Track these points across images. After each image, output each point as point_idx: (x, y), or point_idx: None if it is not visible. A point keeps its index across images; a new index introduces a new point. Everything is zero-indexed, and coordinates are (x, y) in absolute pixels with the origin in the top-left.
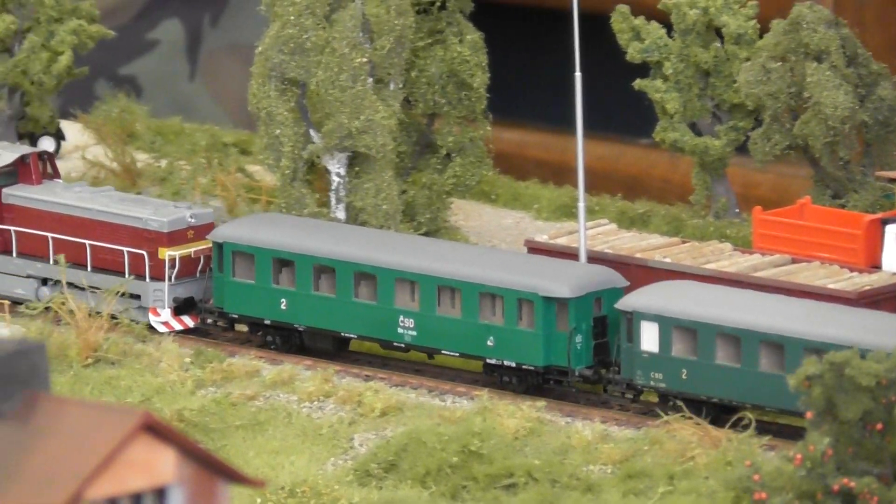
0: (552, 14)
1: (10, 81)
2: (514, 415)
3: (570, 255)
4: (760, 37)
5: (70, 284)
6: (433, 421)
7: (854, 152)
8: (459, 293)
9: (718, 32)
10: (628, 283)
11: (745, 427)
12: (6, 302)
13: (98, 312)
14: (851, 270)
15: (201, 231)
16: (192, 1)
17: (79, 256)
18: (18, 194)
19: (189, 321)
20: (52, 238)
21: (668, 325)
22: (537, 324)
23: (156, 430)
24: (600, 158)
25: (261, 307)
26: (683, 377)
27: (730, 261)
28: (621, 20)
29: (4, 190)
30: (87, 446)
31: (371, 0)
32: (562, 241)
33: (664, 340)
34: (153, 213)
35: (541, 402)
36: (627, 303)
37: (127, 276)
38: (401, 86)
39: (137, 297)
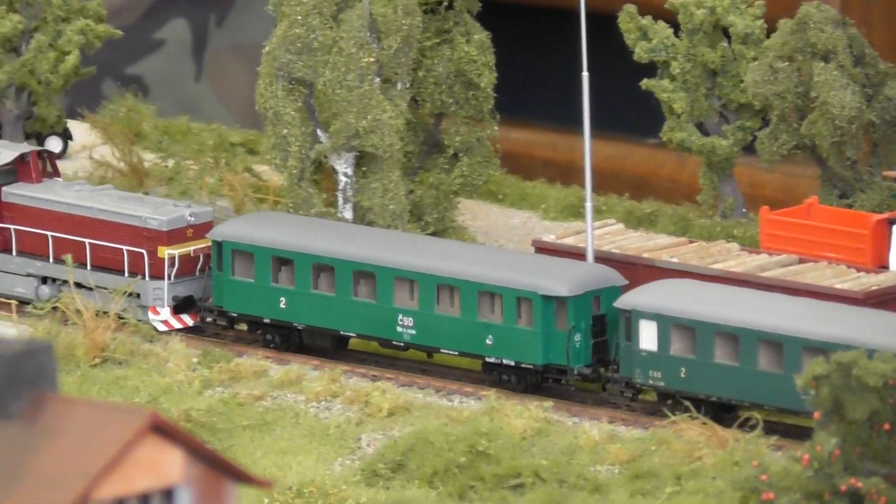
0: (559, 13)
1: (17, 81)
2: (522, 415)
3: (577, 254)
4: (768, 36)
5: (65, 283)
6: (441, 421)
7: (861, 152)
8: (458, 292)
9: (726, 32)
10: (627, 282)
11: (753, 427)
12: (13, 302)
13: (105, 312)
14: (858, 270)
15: (201, 230)
16: (199, 1)
17: (78, 255)
18: (18, 193)
19: (188, 320)
20: (52, 237)
21: (667, 324)
22: (536, 322)
23: (163, 430)
24: (607, 158)
25: (260, 306)
26: (682, 376)
27: (737, 261)
28: (628, 20)
29: (4, 188)
30: (95, 446)
31: (378, 0)
32: (569, 240)
33: (663, 339)
34: (152, 211)
35: (548, 403)
36: (626, 301)
37: (126, 274)
38: (408, 85)
39: (137, 295)
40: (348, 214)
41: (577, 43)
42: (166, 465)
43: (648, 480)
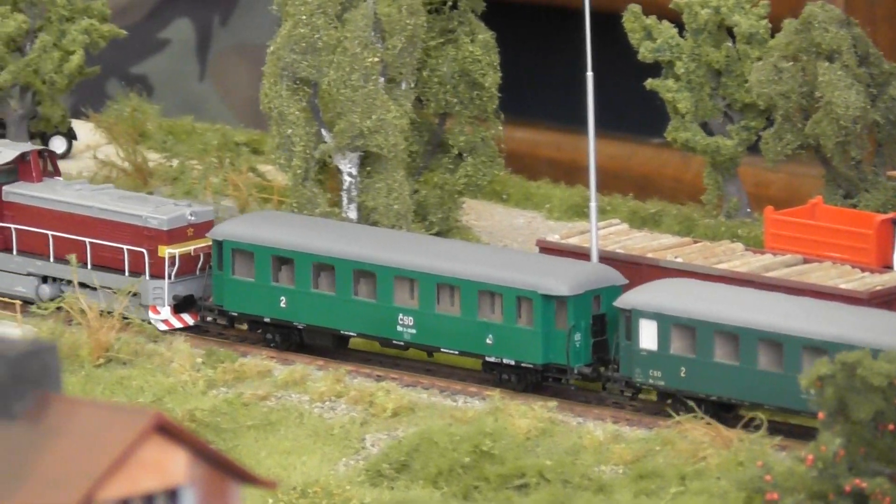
0: (563, 12)
1: (21, 81)
2: (526, 415)
3: (581, 255)
4: (772, 36)
5: (69, 283)
6: (445, 421)
7: (866, 152)
8: (458, 291)
9: (730, 32)
10: (627, 281)
11: (757, 427)
12: (17, 302)
13: (109, 312)
14: (863, 270)
15: (201, 229)
16: (203, 0)
17: (79, 254)
18: (19, 192)
19: (189, 319)
20: (53, 236)
21: (667, 323)
22: (536, 322)
23: (168, 430)
24: (612, 158)
25: (260, 305)
26: (682, 375)
27: (741, 261)
28: (633, 19)
29: (5, 188)
30: (99, 447)
31: (383, 0)
32: (574, 240)
33: (663, 338)
34: (153, 210)
35: (552, 403)
36: (626, 300)
37: (127, 274)
38: (412, 85)
39: (137, 294)
40: (353, 214)
41: (581, 42)
42: (171, 465)
43: (653, 481)
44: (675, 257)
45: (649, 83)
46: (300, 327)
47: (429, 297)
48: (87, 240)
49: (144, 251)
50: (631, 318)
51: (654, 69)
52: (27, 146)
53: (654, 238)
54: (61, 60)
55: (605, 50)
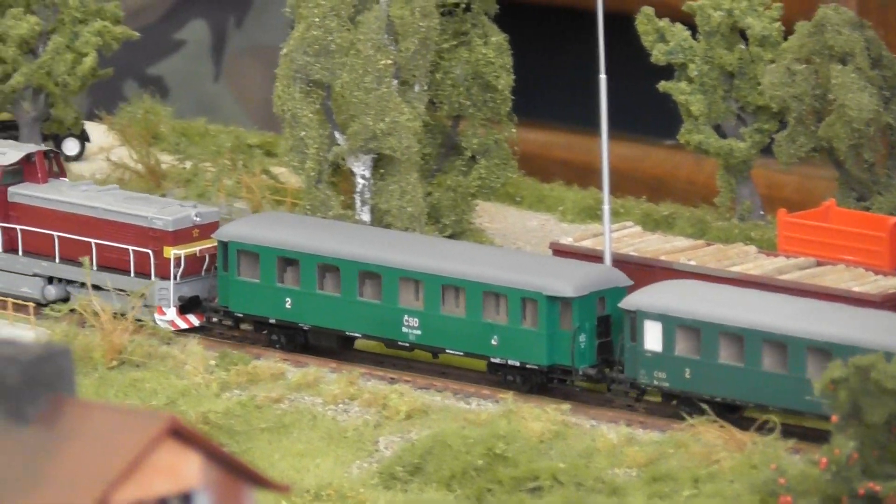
0: (576, 14)
1: (34, 83)
2: (539, 418)
3: (595, 257)
4: (785, 39)
5: (70, 283)
6: (458, 424)
7: (879, 154)
8: (463, 292)
9: (743, 34)
10: (632, 283)
11: (770, 430)
12: (31, 304)
13: (122, 314)
14: (876, 273)
15: (206, 230)
16: (218, 2)
17: (84, 255)
18: (24, 193)
19: (194, 320)
20: (58, 237)
21: (672, 325)
22: (541, 323)
23: (181, 434)
24: (625, 160)
25: (265, 306)
26: (687, 376)
27: (754, 263)
28: (646, 22)
29: (10, 189)
30: (113, 450)
31: (396, 2)
32: (587, 243)
33: (668, 339)
34: (158, 211)
35: (566, 405)
36: (631, 302)
37: (132, 275)
38: (425, 88)
39: (143, 295)
40: (366, 217)
41: (593, 44)
42: (184, 469)
43: (666, 483)
44: (689, 260)
45: (662, 85)
46: (305, 328)
47: (434, 299)
48: (93, 241)
49: (150, 252)
50: (636, 319)
51: (667, 71)
52: (32, 147)
53: (667, 241)
54: (74, 62)
55: (618, 51)
